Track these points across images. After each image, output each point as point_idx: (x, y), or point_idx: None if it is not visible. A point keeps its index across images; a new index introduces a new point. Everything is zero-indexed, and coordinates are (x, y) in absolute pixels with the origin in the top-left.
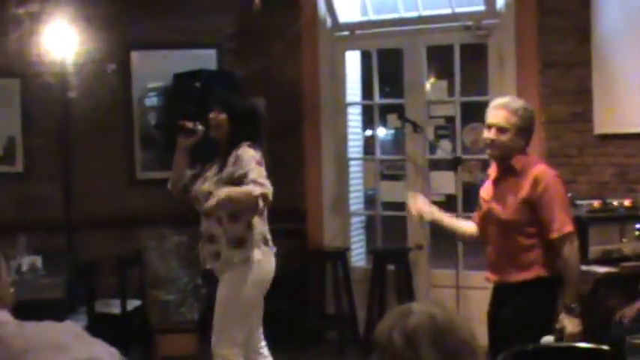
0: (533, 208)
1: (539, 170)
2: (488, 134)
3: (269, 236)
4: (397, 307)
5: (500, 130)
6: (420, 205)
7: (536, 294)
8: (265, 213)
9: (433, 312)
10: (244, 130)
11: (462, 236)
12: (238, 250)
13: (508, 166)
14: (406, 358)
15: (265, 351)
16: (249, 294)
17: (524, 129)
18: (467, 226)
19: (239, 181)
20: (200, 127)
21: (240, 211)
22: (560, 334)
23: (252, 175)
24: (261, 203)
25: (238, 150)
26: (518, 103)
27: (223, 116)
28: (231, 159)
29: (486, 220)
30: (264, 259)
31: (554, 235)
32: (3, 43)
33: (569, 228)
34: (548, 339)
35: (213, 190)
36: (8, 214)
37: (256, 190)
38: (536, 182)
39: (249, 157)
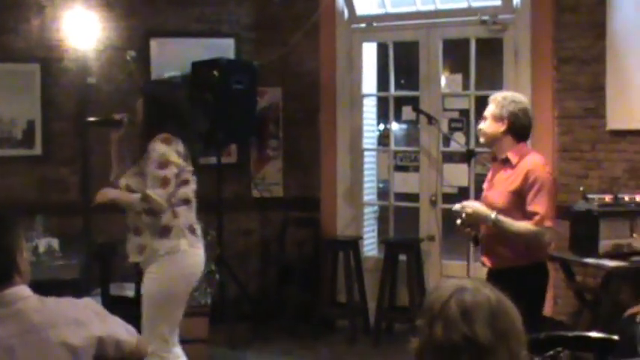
0: (523, 198)
1: (532, 164)
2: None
3: (197, 226)
4: (449, 280)
5: (483, 118)
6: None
7: (529, 279)
8: (194, 202)
9: (487, 292)
10: (156, 119)
11: None
12: (163, 240)
13: (505, 157)
14: (459, 330)
15: (179, 350)
16: (175, 287)
17: (499, 116)
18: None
19: None
20: (126, 119)
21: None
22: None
23: (148, 183)
24: (143, 209)
25: (152, 143)
26: (502, 93)
27: (139, 102)
28: (147, 152)
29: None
30: (191, 250)
31: (534, 224)
32: (24, 29)
33: (549, 223)
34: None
35: (130, 184)
36: (26, 196)
37: (138, 206)
38: (528, 175)
39: (155, 157)
